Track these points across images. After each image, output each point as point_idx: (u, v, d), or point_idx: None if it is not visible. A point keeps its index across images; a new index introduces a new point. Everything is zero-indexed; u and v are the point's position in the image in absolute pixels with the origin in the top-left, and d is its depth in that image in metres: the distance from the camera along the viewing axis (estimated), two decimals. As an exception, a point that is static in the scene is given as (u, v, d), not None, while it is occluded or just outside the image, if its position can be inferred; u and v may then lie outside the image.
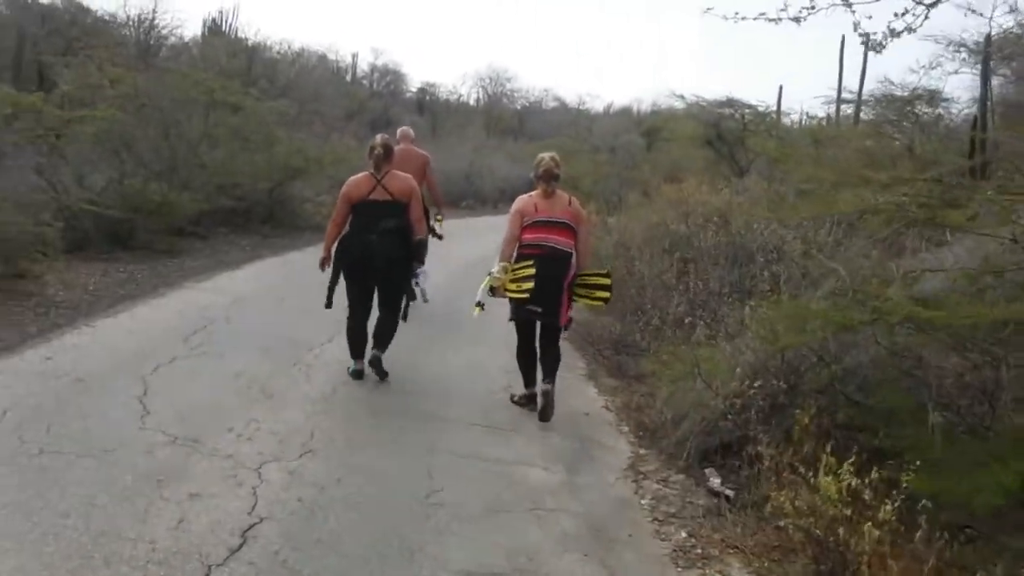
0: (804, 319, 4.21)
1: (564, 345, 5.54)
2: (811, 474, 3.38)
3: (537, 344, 5.17)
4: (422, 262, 5.56)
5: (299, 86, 24.40)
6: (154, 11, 21.17)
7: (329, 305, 5.31)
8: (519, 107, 43.94)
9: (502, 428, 4.88)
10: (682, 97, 16.90)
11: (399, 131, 7.87)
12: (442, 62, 65.08)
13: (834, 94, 15.52)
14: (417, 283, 5.73)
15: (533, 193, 5.11)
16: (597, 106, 41.57)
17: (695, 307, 6.75)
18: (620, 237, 8.55)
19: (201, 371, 5.09)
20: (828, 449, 3.42)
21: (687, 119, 18.77)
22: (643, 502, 4.08)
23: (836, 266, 4.77)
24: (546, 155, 5.16)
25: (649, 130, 38.37)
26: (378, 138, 5.39)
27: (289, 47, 29.35)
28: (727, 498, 4.08)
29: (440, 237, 7.62)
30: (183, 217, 9.46)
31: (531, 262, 4.84)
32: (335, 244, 5.40)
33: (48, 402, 4.25)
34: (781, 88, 19.18)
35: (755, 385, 4.33)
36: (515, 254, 5.04)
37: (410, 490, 3.76)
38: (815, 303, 4.62)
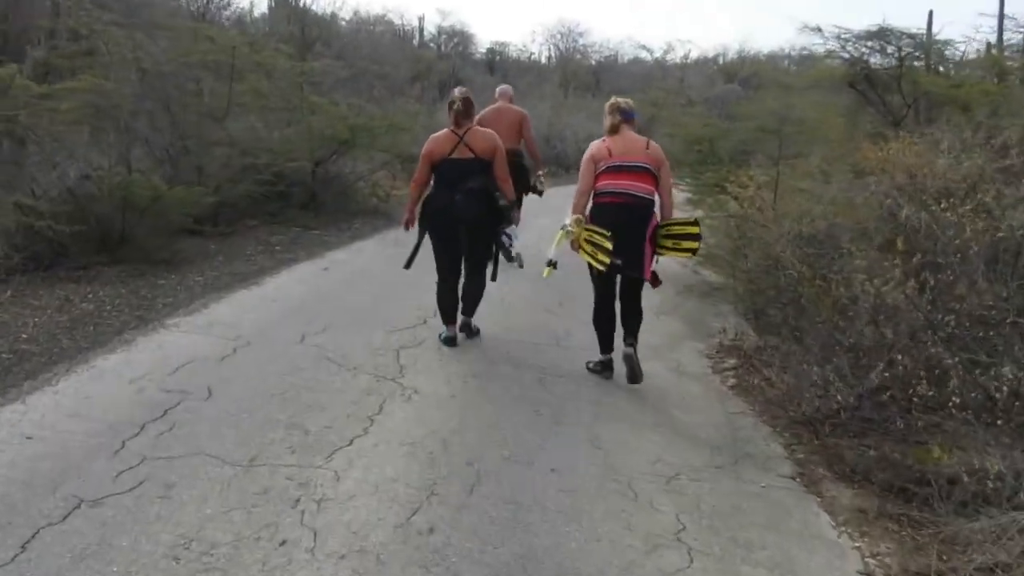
0: None
1: (745, 418, 4.46)
2: None
3: (617, 302, 4.87)
4: (510, 222, 5.21)
5: (359, 49, 22.23)
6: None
7: (408, 266, 5.16)
8: (594, 62, 41.60)
9: None
10: (817, 29, 13.55)
11: (498, 89, 7.84)
12: (510, 20, 61.87)
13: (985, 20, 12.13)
14: (510, 244, 5.39)
15: (604, 136, 4.76)
16: (675, 57, 38.29)
17: (953, 345, 4.04)
18: (790, 228, 5.77)
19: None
20: None
21: (813, 61, 15.48)
22: None
23: None
24: (619, 99, 4.82)
25: (747, 77, 34.97)
26: (456, 92, 5.09)
27: (355, 13, 27.14)
28: None
29: (540, 193, 7.57)
30: (186, 214, 7.14)
31: (610, 233, 4.45)
32: (419, 205, 5.11)
33: None
34: (931, 13, 15.35)
35: None
36: (591, 204, 4.70)
37: None
38: None
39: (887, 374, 4.07)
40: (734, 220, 6.22)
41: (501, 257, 5.45)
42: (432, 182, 5.04)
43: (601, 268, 4.53)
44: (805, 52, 39.12)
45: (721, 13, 57.59)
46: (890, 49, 13.39)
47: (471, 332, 5.33)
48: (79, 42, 8.86)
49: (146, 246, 6.75)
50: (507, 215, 5.12)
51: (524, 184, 7.71)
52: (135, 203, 6.58)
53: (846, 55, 14.05)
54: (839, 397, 4.11)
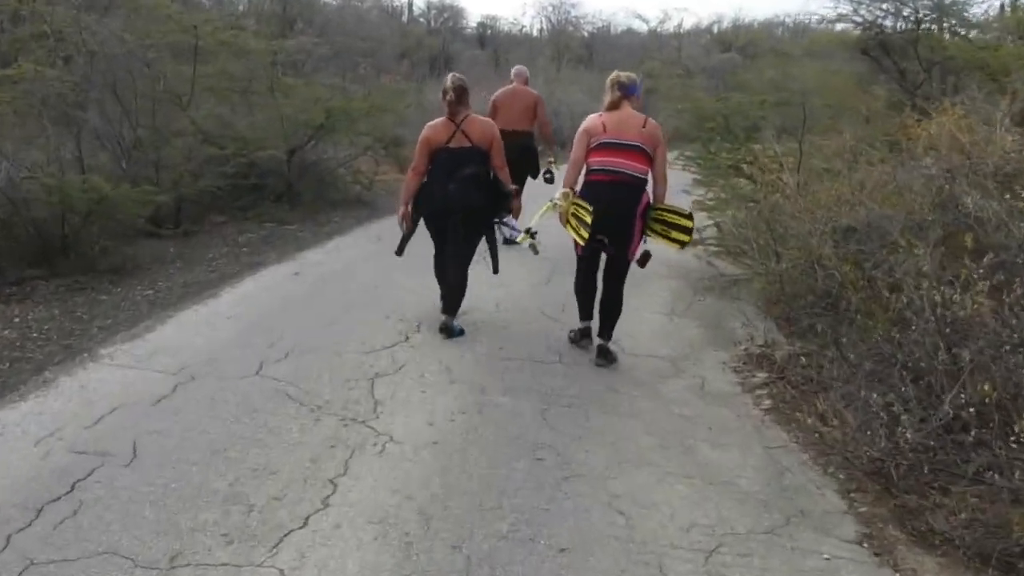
0: None
1: (788, 454, 3.77)
2: None
3: (600, 281, 4.80)
4: (509, 211, 5.16)
5: (343, 26, 21.25)
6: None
7: (400, 253, 5.10)
8: (586, 34, 40.69)
9: None
10: (828, -9, 12.65)
11: (513, 70, 7.69)
12: (501, -8, 60.47)
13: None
14: (512, 235, 5.34)
15: (601, 111, 4.62)
16: (669, 27, 37.30)
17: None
18: (825, 218, 4.98)
19: None
20: None
21: (808, 30, 14.60)
22: None
23: None
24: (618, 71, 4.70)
25: (743, 46, 34.11)
26: (449, 80, 4.92)
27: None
28: None
29: (549, 181, 7.29)
30: (138, 215, 6.33)
31: (591, 208, 4.34)
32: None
33: None
34: None
35: None
36: (581, 179, 4.60)
37: None
38: None
39: (967, 405, 3.31)
40: (758, 209, 5.44)
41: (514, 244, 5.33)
42: (428, 171, 4.90)
43: (581, 242, 4.47)
44: (800, 20, 38.14)
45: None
46: (906, 11, 12.54)
47: (450, 332, 4.98)
48: (21, 26, 7.99)
49: (91, 254, 5.96)
50: (507, 202, 5.04)
51: (534, 167, 7.41)
52: (74, 207, 5.77)
53: (859, 19, 13.22)
54: (908, 435, 3.35)
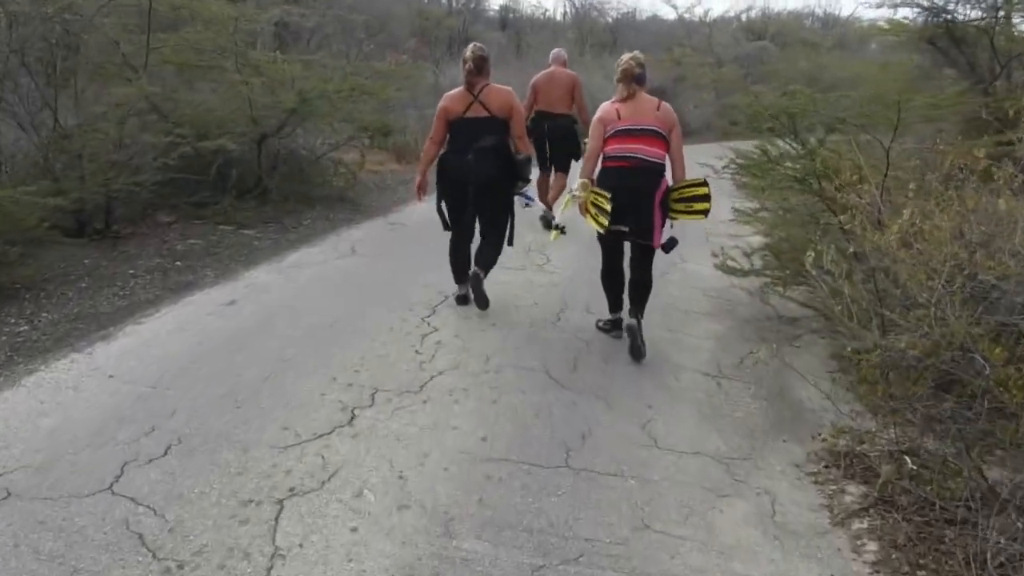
0: None
1: None
2: None
3: (628, 267, 4.68)
4: (527, 180, 5.01)
5: (357, 2, 19.79)
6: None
7: (447, 227, 4.99)
8: (611, 20, 39.14)
9: None
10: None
11: (552, 53, 7.71)
12: (525, -26, 58.59)
13: None
14: (527, 205, 5.26)
15: (614, 99, 4.52)
16: (695, 14, 35.63)
17: None
18: (952, 274, 3.48)
19: None
20: None
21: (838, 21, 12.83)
22: None
23: None
24: (626, 55, 4.57)
25: (773, 35, 32.48)
26: (468, 50, 4.88)
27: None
28: None
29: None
30: (26, 225, 4.91)
31: (608, 195, 4.30)
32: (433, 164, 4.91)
33: None
34: None
35: None
36: (599, 168, 4.53)
37: None
38: None
39: None
40: (852, 249, 3.93)
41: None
42: (447, 142, 4.86)
43: (600, 230, 4.42)
44: (830, 13, 36.25)
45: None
46: (982, -3, 10.89)
47: (481, 296, 4.94)
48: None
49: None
50: (523, 172, 4.94)
51: (576, 149, 7.08)
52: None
53: (925, 3, 11.58)
54: None
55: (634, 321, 4.57)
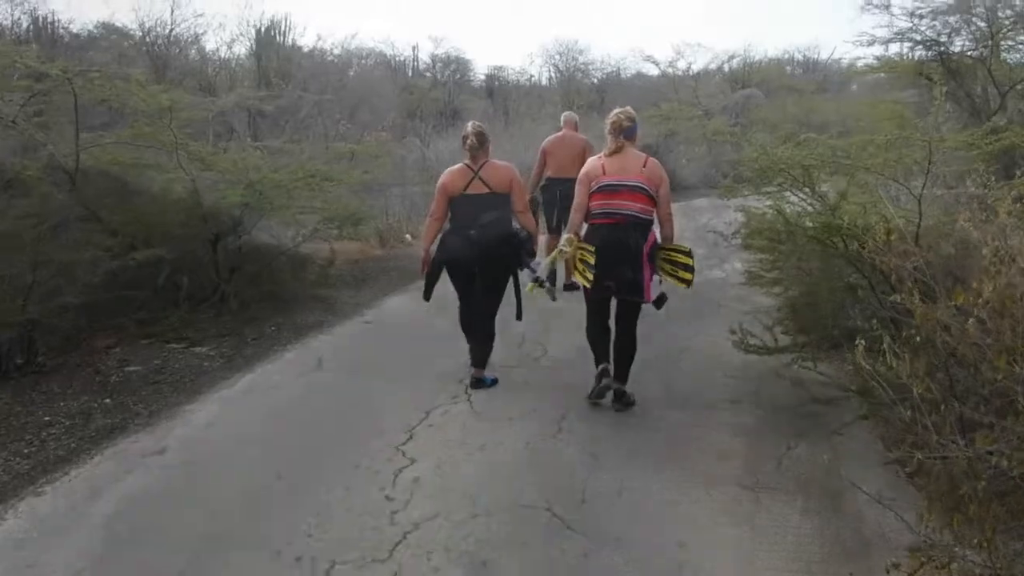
0: None
1: None
2: None
3: (613, 324, 4.58)
4: (532, 255, 4.90)
5: (338, 80, 19.48)
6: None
7: (427, 298, 4.90)
8: (596, 80, 39.32)
9: None
10: (886, 6, 10.44)
11: (563, 117, 7.69)
12: (506, 43, 59.46)
13: None
14: (535, 276, 4.78)
15: (602, 153, 4.58)
16: (678, 68, 35.78)
17: None
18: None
19: None
20: None
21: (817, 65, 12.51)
22: None
23: None
24: (617, 109, 4.63)
25: (758, 83, 32.43)
26: (469, 126, 4.98)
27: (342, 46, 24.65)
28: None
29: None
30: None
31: (593, 248, 4.33)
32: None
33: None
34: None
35: None
36: (586, 225, 4.56)
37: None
38: None
39: None
40: (916, 340, 3.04)
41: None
42: (448, 219, 4.90)
43: (586, 284, 4.38)
44: (809, 56, 36.45)
45: (718, 23, 54.61)
46: (981, 24, 10.29)
47: (481, 384, 4.90)
48: None
49: None
50: (526, 246, 4.88)
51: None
52: None
53: (918, 36, 10.97)
54: None
55: (620, 386, 4.50)
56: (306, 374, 5.31)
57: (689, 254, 4.45)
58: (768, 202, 5.38)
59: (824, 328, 5.03)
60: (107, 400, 4.77)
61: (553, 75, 43.60)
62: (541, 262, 4.93)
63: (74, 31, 14.33)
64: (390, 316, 6.97)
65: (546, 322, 6.23)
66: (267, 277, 7.16)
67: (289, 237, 7.75)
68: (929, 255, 3.47)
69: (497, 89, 39.68)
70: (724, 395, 4.86)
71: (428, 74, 38.42)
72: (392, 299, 7.57)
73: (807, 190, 4.78)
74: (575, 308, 6.41)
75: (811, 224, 4.69)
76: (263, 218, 6.92)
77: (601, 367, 4.56)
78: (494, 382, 4.94)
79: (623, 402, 4.53)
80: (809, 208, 4.86)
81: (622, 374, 4.57)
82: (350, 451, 4.01)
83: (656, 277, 4.49)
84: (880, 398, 3.32)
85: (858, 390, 4.20)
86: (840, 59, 38.07)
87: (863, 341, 2.97)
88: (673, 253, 4.50)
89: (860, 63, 13.62)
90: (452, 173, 4.90)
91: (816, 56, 39.62)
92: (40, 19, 14.16)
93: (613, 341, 4.59)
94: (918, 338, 2.81)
